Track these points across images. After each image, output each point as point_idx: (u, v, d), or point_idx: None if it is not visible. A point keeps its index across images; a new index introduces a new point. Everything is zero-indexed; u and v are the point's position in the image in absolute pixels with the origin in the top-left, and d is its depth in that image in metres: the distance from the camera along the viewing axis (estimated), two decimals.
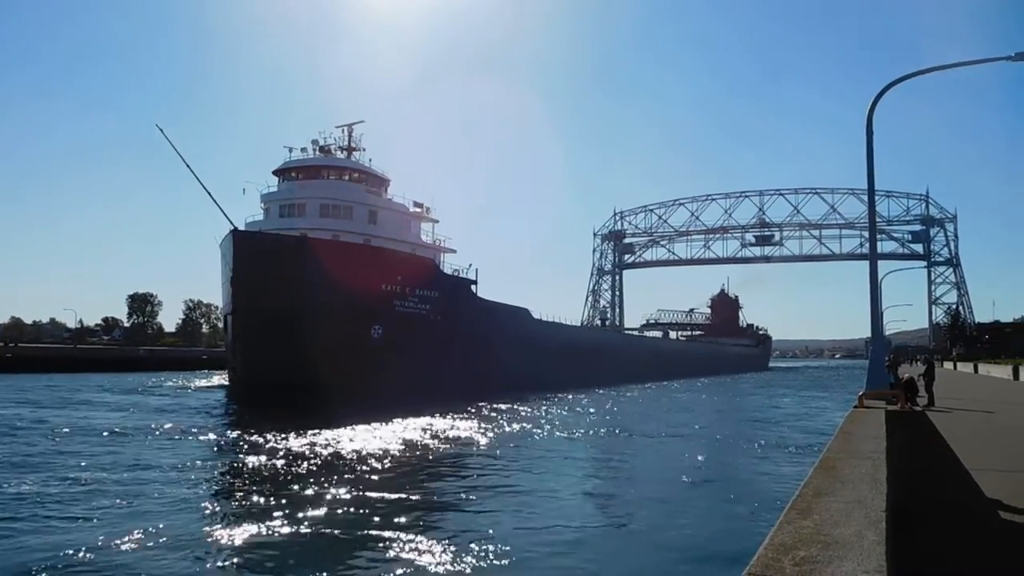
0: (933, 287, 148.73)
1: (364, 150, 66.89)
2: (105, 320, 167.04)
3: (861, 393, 14.78)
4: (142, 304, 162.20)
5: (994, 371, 60.80)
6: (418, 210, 68.09)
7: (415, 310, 55.71)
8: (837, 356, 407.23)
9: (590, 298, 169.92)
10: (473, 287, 64.28)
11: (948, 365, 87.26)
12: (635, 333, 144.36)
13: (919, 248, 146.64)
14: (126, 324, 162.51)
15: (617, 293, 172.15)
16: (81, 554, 12.68)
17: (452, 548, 13.20)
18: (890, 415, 11.66)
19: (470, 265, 67.69)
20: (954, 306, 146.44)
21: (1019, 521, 7.91)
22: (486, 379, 54.32)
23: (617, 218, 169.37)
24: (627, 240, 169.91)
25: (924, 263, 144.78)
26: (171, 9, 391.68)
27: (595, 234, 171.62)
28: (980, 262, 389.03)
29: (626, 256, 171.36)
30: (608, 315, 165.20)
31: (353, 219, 60.71)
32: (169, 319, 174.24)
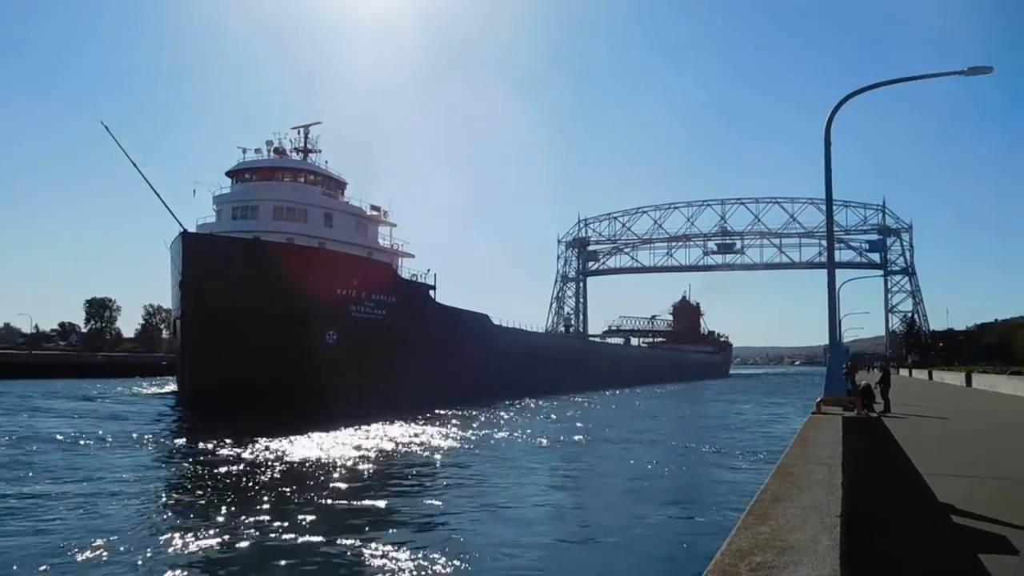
0: (889, 295, 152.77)
1: (320, 151, 65.90)
2: (62, 325, 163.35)
3: (819, 400, 15.02)
4: (100, 309, 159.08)
5: (948, 378, 62.32)
6: (375, 213, 67.26)
7: (371, 316, 55.08)
8: (797, 363, 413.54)
9: (554, 305, 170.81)
10: (432, 292, 63.86)
11: (904, 372, 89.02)
12: (597, 339, 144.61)
13: (876, 257, 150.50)
14: (84, 329, 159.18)
15: (581, 300, 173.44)
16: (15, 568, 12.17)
17: (405, 558, 13.02)
18: (847, 421, 11.88)
19: (428, 270, 67.13)
20: (910, 314, 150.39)
21: (970, 526, 8.09)
22: (444, 385, 53.82)
23: (581, 225, 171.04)
24: (591, 247, 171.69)
25: (881, 272, 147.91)
26: (139, 10, 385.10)
27: (559, 241, 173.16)
28: (935, 271, 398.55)
29: (590, 263, 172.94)
30: (572, 322, 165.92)
31: (308, 222, 59.68)
32: (128, 324, 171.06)
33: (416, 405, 43.62)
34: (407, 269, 66.61)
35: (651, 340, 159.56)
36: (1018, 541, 7.28)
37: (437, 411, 42.82)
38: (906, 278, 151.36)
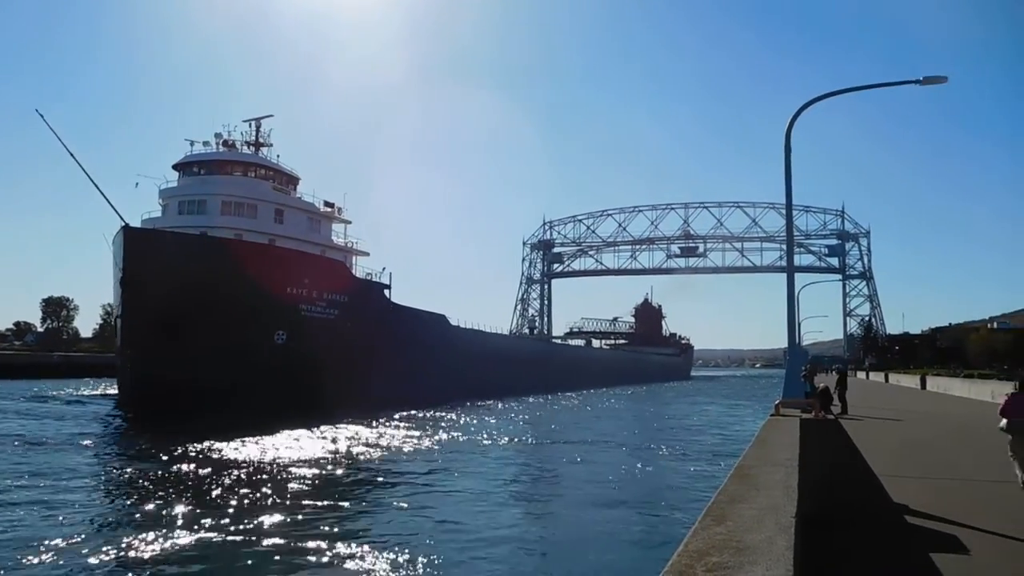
0: (848, 299, 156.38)
1: (272, 145, 63.66)
2: (17, 324, 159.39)
3: (778, 402, 15.19)
4: (57, 308, 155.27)
5: (904, 380, 63.67)
6: (329, 210, 65.19)
7: (323, 315, 53.46)
8: (758, 365, 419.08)
9: (519, 307, 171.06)
10: (387, 292, 62.26)
11: (861, 375, 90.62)
12: (558, 341, 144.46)
13: (835, 262, 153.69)
14: (40, 329, 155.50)
15: (546, 302, 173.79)
16: None
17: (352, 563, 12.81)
18: (805, 423, 12.03)
19: (383, 268, 65.71)
20: (867, 318, 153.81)
21: (923, 525, 8.25)
22: (399, 387, 52.77)
23: (546, 227, 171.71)
24: (556, 249, 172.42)
25: (839, 276, 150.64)
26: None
27: (524, 243, 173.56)
28: (891, 276, 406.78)
29: (555, 265, 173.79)
30: (537, 323, 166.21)
31: (258, 217, 57.57)
32: (86, 324, 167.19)
33: (369, 406, 42.86)
34: (362, 267, 64.94)
35: (613, 342, 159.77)
36: (968, 540, 7.45)
37: (390, 413, 42.18)
38: (864, 282, 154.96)
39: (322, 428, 33.98)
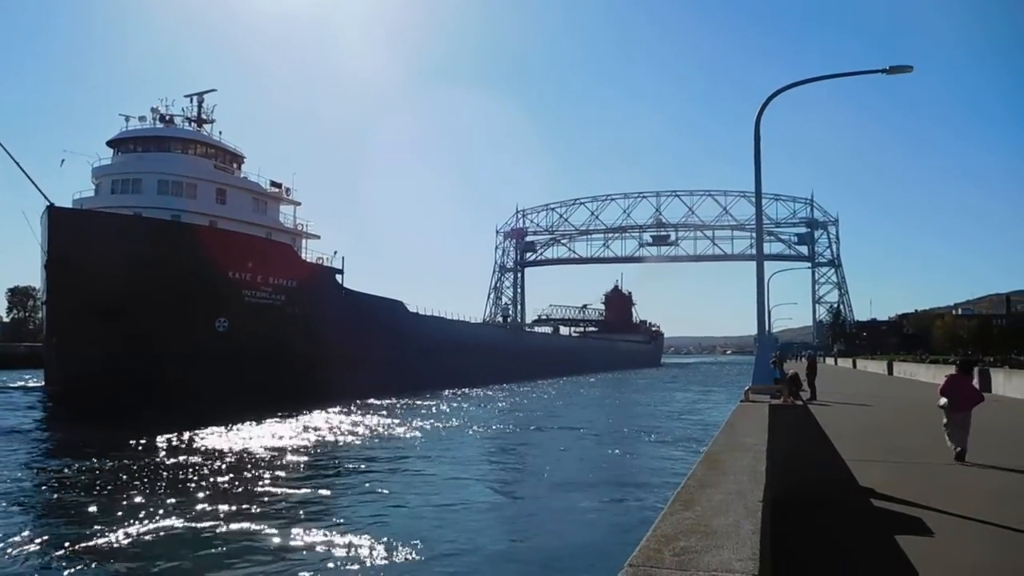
0: (817, 287, 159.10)
1: (215, 122, 60.60)
2: None
3: (747, 388, 15.37)
4: (23, 299, 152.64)
5: (871, 366, 64.79)
6: (276, 191, 62.43)
7: (268, 301, 51.43)
8: (729, 352, 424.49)
9: (492, 295, 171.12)
10: (339, 276, 60.05)
11: (830, 361, 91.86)
12: (526, 329, 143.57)
13: (804, 250, 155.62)
14: (6, 320, 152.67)
15: (519, 290, 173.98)
16: None
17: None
18: (773, 409, 12.18)
19: (335, 252, 62.91)
20: (836, 305, 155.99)
21: (889, 508, 8.42)
22: (352, 376, 50.65)
23: (519, 216, 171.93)
24: (529, 238, 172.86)
25: (809, 264, 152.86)
26: None
27: (498, 231, 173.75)
28: (860, 263, 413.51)
29: (528, 254, 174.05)
30: (510, 312, 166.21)
31: (197, 197, 54.71)
32: None
33: (319, 397, 41.75)
34: (313, 252, 62.62)
35: (582, 330, 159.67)
36: (932, 523, 7.62)
37: (342, 403, 41.11)
38: (832, 270, 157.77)
39: (267, 420, 33.11)
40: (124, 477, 19.81)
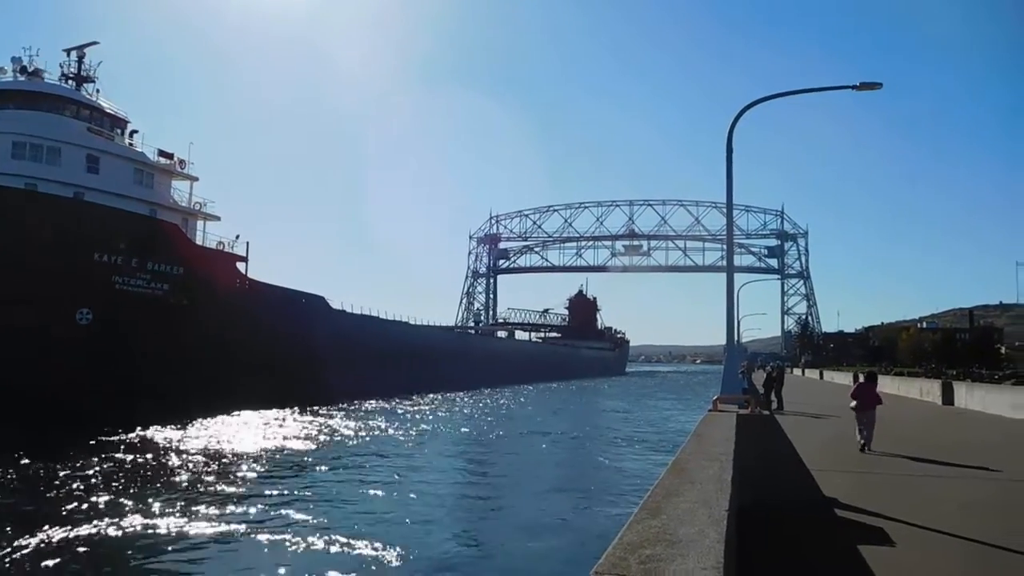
0: (786, 298, 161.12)
1: (97, 80, 51.46)
2: None
3: (716, 398, 15.46)
4: None
5: (837, 378, 65.47)
6: (167, 162, 53.20)
7: (145, 289, 43.83)
8: (698, 361, 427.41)
9: (464, 300, 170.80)
10: (242, 265, 52.03)
11: (797, 372, 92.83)
12: (473, 333, 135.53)
13: (775, 263, 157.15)
14: None
15: (491, 296, 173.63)
16: None
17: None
18: (741, 419, 12.25)
19: (237, 236, 53.87)
20: (804, 316, 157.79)
21: (852, 519, 8.51)
22: (254, 381, 43.80)
23: (493, 221, 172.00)
24: (503, 245, 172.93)
25: (778, 276, 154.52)
26: None
27: (471, 237, 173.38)
28: (828, 275, 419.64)
29: (501, 261, 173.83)
30: (482, 318, 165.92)
31: (62, 164, 45.56)
32: None
33: (209, 404, 37.90)
34: (211, 235, 54.43)
35: (543, 335, 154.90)
36: (895, 533, 7.73)
37: (234, 411, 38.20)
38: (801, 282, 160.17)
39: (141, 431, 30.12)
40: None
